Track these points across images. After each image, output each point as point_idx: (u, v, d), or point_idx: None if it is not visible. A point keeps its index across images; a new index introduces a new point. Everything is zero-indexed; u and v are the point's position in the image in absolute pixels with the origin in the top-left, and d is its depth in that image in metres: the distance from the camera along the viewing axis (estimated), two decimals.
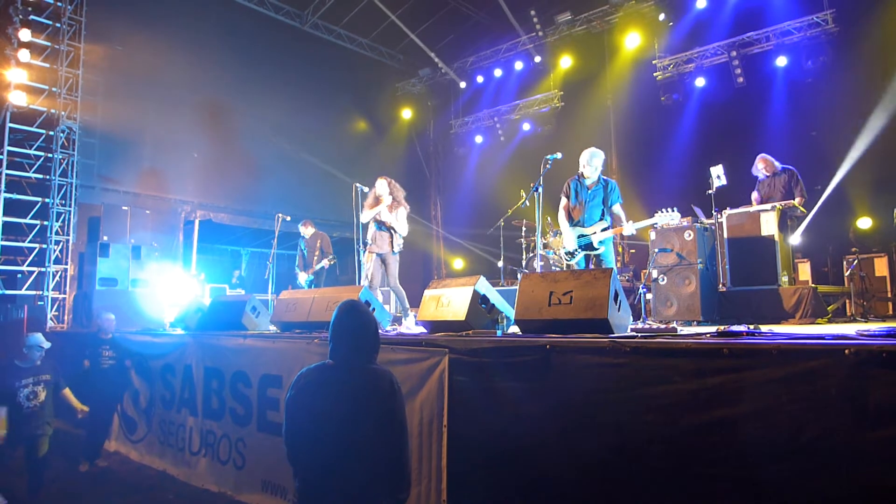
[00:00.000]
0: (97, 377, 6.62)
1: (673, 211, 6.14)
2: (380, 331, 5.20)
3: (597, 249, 6.17)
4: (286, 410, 2.79)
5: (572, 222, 6.38)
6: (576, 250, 6.29)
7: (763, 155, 7.65)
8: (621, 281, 5.82)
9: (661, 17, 11.95)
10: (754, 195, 7.66)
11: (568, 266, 6.40)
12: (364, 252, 7.26)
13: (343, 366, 2.78)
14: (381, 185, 7.33)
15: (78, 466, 6.30)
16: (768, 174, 7.59)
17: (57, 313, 9.91)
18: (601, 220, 6.20)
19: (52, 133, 9.98)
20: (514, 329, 4.34)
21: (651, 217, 6.27)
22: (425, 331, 4.88)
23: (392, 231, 7.25)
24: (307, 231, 9.76)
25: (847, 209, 9.85)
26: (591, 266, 6.23)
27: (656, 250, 6.79)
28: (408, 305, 7.22)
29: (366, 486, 2.60)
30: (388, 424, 2.67)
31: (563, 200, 6.51)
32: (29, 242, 9.75)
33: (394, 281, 7.39)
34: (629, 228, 6.06)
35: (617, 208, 6.18)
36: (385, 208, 7.26)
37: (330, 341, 2.83)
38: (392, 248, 7.27)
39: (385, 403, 2.68)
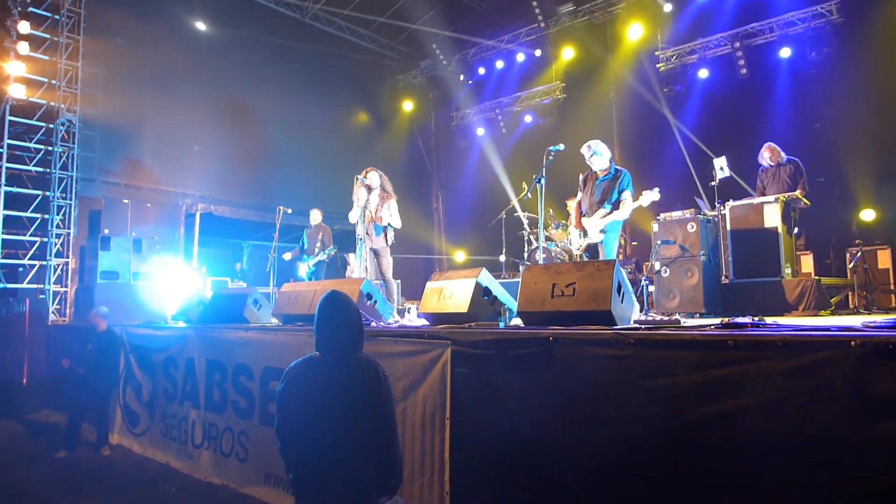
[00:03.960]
0: (77, 367, 6.72)
1: (652, 190, 6.12)
2: (381, 323, 5.22)
3: (595, 239, 6.15)
4: (277, 404, 2.81)
5: (581, 215, 6.38)
6: (580, 242, 6.27)
7: (770, 144, 7.61)
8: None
9: (668, 7, 11.81)
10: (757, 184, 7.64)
11: (579, 257, 6.38)
12: (360, 247, 7.24)
13: (329, 357, 2.80)
14: (374, 177, 7.37)
15: (55, 454, 6.37)
16: (773, 164, 7.56)
17: (59, 307, 9.91)
18: (601, 207, 6.16)
19: (52, 126, 9.95)
20: (517, 321, 4.32)
21: (641, 203, 6.25)
22: (427, 323, 4.86)
23: (385, 226, 7.31)
24: (315, 218, 9.76)
25: (850, 201, 9.81)
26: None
27: (659, 242, 6.76)
28: (394, 301, 7.29)
29: (357, 475, 2.61)
30: (376, 413, 2.68)
31: (577, 195, 6.55)
32: (30, 236, 9.75)
33: (387, 274, 7.41)
34: (621, 214, 6.05)
35: (624, 195, 6.10)
36: (376, 203, 7.29)
37: (315, 333, 2.84)
38: (386, 241, 7.31)
39: (372, 392, 2.69)
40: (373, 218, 7.29)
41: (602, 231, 6.12)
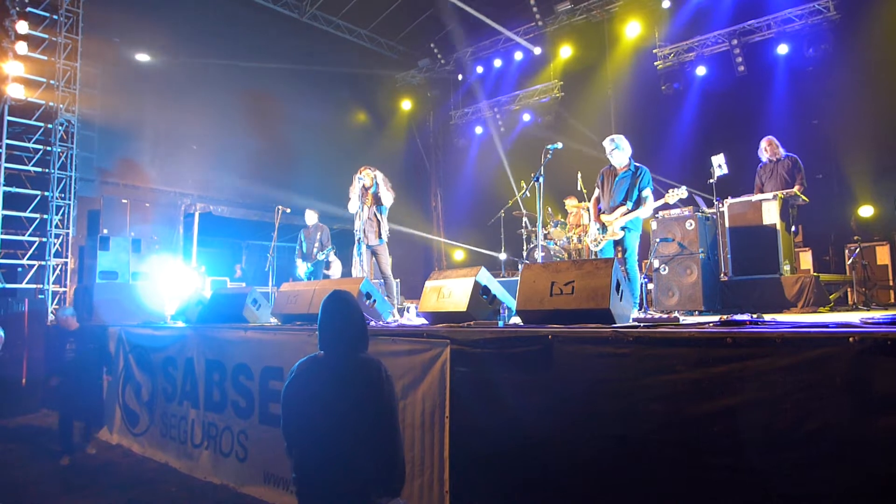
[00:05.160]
0: (66, 369, 6.70)
1: (680, 188, 6.11)
2: (380, 322, 5.22)
3: (616, 235, 6.11)
4: (281, 404, 2.81)
5: (599, 212, 6.34)
6: (599, 238, 6.23)
7: (770, 137, 7.62)
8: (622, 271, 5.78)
9: (666, 4, 11.79)
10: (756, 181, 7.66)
11: (595, 254, 6.37)
12: (359, 246, 7.25)
13: (332, 356, 2.81)
14: (370, 174, 7.38)
15: (59, 461, 6.28)
16: (772, 158, 7.57)
17: (58, 307, 9.89)
18: (623, 205, 6.09)
19: (50, 126, 9.94)
20: (516, 320, 4.32)
21: (660, 199, 6.25)
22: (427, 322, 4.87)
23: (379, 220, 7.30)
24: (311, 218, 9.73)
25: (848, 197, 9.82)
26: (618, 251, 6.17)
27: (658, 240, 6.77)
28: (394, 299, 7.29)
29: (358, 476, 2.60)
30: (377, 413, 2.68)
31: (595, 191, 6.49)
32: (29, 236, 9.74)
33: (386, 271, 7.41)
34: (644, 211, 6.02)
35: (645, 192, 6.04)
36: (383, 187, 7.31)
37: (318, 333, 2.85)
38: (379, 237, 7.30)
39: (374, 392, 2.69)
40: (370, 216, 7.32)
41: (623, 228, 6.08)
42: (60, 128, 10.02)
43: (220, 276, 12.57)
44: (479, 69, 15.39)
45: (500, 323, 4.34)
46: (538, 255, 7.04)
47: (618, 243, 6.15)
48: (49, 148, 9.93)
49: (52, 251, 9.88)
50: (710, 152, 7.73)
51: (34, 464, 6.23)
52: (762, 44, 11.05)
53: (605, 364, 3.10)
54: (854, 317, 3.51)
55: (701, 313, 6.24)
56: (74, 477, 5.83)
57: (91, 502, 5.22)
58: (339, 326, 2.82)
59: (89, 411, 6.91)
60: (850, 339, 2.39)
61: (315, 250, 9.41)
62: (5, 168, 9.47)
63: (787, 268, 6.39)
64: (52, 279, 9.84)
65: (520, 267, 9.68)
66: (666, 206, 6.51)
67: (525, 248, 10.24)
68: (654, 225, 6.92)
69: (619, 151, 6.14)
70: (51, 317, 9.55)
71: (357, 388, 2.70)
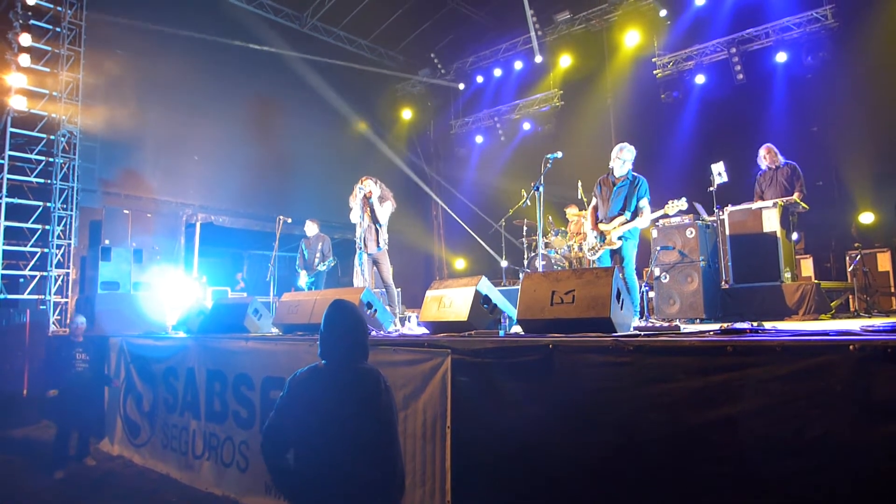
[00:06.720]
0: (73, 380, 6.67)
1: (680, 200, 6.13)
2: (381, 332, 5.22)
3: (614, 244, 6.14)
4: (276, 410, 2.79)
5: (597, 220, 6.38)
6: (596, 247, 6.26)
7: (769, 145, 7.65)
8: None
9: (663, 12, 11.86)
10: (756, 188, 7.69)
11: (591, 263, 6.38)
12: (360, 255, 7.27)
13: (332, 366, 2.81)
14: (371, 184, 7.40)
15: (54, 474, 6.21)
16: (771, 166, 7.60)
17: (59, 317, 9.91)
18: (621, 214, 6.13)
19: (53, 137, 9.98)
20: (517, 329, 4.33)
21: (660, 209, 6.27)
22: (427, 332, 4.87)
23: (377, 227, 7.33)
24: (311, 230, 9.74)
25: (849, 204, 9.83)
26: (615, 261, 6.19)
27: (658, 248, 6.77)
28: (396, 308, 7.31)
29: (357, 486, 2.59)
30: (376, 423, 2.68)
31: (593, 201, 6.53)
32: (31, 247, 9.76)
33: (388, 280, 7.42)
34: (642, 221, 6.04)
35: (642, 202, 6.08)
36: (377, 203, 7.33)
37: (319, 342, 2.84)
38: (378, 244, 7.32)
39: (371, 402, 2.69)
40: (370, 225, 7.35)
41: (621, 238, 6.11)
42: (63, 139, 10.06)
43: (221, 286, 12.57)
44: (480, 79, 15.46)
45: (501, 332, 4.35)
46: (539, 263, 7.05)
47: (615, 252, 6.17)
48: (51, 159, 9.97)
49: (54, 262, 9.90)
50: (710, 160, 7.74)
51: (34, 476, 6.22)
52: (761, 52, 11.08)
53: (606, 373, 3.11)
54: (855, 324, 3.51)
55: (702, 321, 6.24)
56: (74, 488, 5.82)
57: None
58: (339, 336, 2.82)
59: (91, 422, 6.90)
60: (851, 347, 2.40)
61: (316, 261, 9.41)
62: (8, 179, 9.51)
63: (787, 275, 6.39)
64: (53, 290, 9.85)
65: (520, 276, 9.68)
66: (665, 216, 6.54)
67: (526, 256, 10.24)
68: (654, 233, 6.93)
69: (625, 161, 6.18)
70: (53, 328, 9.55)
71: (356, 398, 2.69)
